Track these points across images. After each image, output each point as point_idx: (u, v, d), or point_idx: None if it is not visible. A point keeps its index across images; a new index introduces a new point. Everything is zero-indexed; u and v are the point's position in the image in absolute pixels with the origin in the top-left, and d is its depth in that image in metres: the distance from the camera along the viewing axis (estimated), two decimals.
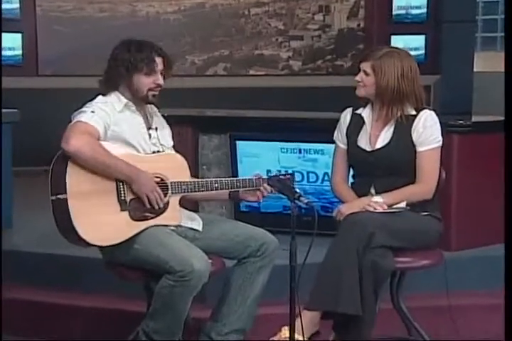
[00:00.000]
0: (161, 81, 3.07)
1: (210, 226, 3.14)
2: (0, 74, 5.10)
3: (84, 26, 7.63)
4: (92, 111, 2.96)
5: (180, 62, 7.59)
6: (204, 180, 3.12)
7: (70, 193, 2.84)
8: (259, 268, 3.09)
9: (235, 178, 3.16)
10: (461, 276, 3.95)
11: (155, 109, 3.20)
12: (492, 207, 4.10)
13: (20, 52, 7.41)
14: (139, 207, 2.96)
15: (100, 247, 3.00)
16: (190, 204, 3.31)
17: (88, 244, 2.89)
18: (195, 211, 3.38)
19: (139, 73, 3.03)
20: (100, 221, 2.89)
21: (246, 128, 4.57)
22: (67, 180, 2.85)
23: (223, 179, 3.12)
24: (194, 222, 3.14)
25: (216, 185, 3.06)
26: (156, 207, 2.96)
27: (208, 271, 2.88)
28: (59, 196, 2.85)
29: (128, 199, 2.94)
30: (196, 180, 3.11)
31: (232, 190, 3.11)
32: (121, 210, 2.93)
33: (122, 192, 2.93)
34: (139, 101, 3.09)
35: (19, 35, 7.38)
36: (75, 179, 2.86)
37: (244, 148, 4.51)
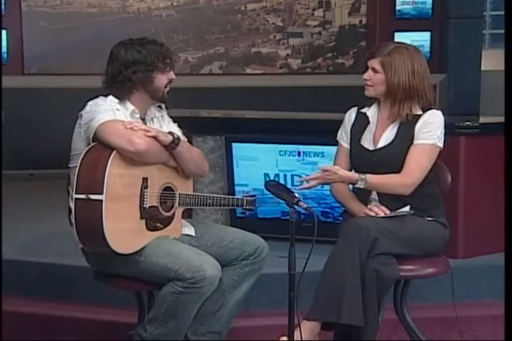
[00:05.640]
0: (173, 75, 3.10)
1: (203, 233, 3.17)
2: (0, 74, 5.09)
3: (72, 22, 7.63)
4: (117, 110, 2.96)
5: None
6: (210, 195, 3.16)
7: (108, 195, 2.80)
8: (248, 272, 3.11)
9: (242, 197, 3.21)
10: (469, 285, 3.96)
11: (163, 112, 3.18)
12: (501, 211, 4.09)
13: (4, 49, 7.41)
14: (154, 216, 2.99)
15: (95, 255, 3.01)
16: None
17: (112, 251, 2.85)
18: (189, 217, 3.38)
19: (158, 73, 3.04)
20: (123, 227, 2.88)
21: (242, 130, 4.57)
22: (106, 181, 2.79)
23: (229, 197, 3.21)
24: (186, 228, 3.17)
25: (224, 201, 3.14)
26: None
27: (218, 278, 2.93)
28: (91, 196, 2.79)
29: (147, 206, 2.96)
30: (202, 194, 3.15)
31: (237, 207, 3.19)
32: (141, 218, 2.95)
33: (145, 198, 2.94)
34: (154, 102, 3.09)
35: (4, 32, 7.38)
36: (113, 180, 2.82)
37: (241, 150, 4.51)
